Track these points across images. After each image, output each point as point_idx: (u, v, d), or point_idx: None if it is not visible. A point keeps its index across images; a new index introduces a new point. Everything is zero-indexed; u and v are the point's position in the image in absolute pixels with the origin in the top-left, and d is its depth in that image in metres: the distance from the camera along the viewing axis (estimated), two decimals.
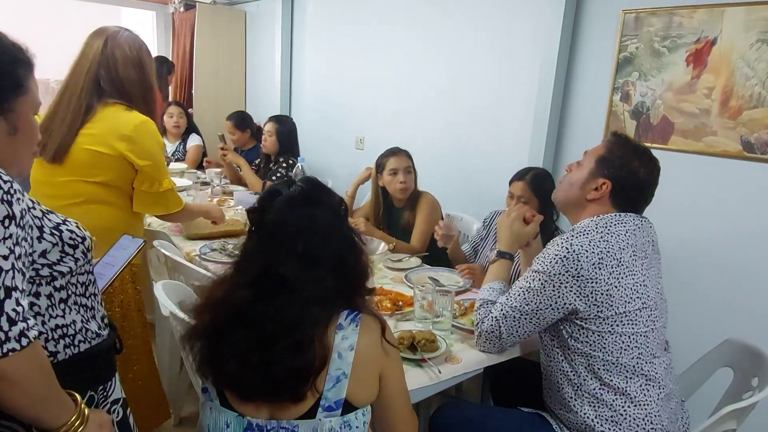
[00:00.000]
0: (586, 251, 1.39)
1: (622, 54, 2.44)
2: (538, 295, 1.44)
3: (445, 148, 3.31)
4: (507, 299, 1.52)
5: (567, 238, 1.45)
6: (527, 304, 1.46)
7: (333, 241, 1.08)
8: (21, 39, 0.97)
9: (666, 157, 2.33)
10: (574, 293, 1.41)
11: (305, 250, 1.05)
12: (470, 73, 3.12)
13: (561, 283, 1.41)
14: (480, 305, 1.60)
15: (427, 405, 1.78)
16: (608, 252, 1.40)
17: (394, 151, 2.67)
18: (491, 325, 1.53)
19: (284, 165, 3.46)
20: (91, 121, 1.73)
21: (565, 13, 2.55)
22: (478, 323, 1.58)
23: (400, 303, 1.85)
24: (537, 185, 2.20)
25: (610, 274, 1.39)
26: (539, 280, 1.45)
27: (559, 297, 1.42)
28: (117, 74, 1.73)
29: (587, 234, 1.44)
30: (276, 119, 3.63)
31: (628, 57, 2.42)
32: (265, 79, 4.80)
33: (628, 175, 1.49)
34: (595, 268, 1.39)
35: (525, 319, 1.48)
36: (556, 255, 1.42)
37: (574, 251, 1.40)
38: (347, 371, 1.04)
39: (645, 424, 1.41)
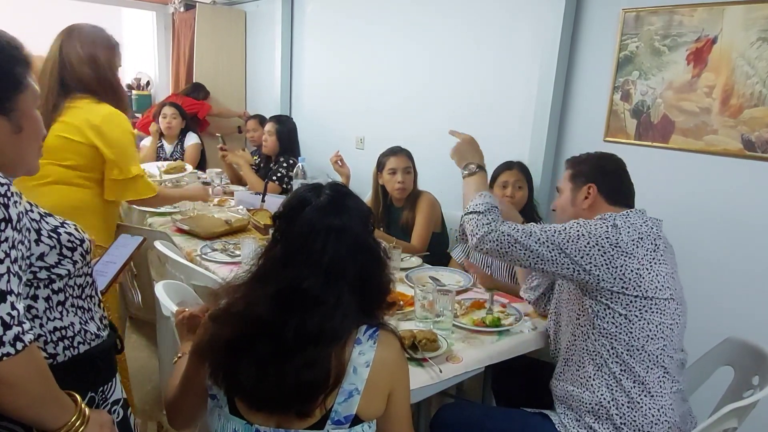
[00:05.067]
0: (629, 227, 1.44)
1: (622, 53, 2.43)
2: (569, 241, 1.44)
3: (445, 146, 3.27)
4: (535, 224, 1.52)
5: (609, 215, 1.49)
6: (555, 237, 1.45)
7: (359, 256, 1.06)
8: (19, 37, 0.96)
9: (666, 155, 2.35)
10: (604, 259, 1.41)
11: (331, 264, 1.03)
12: (471, 71, 3.12)
13: (595, 244, 1.42)
14: (487, 209, 1.55)
15: (428, 405, 1.78)
16: (648, 234, 1.45)
17: (395, 151, 2.67)
18: (511, 227, 1.48)
19: (285, 165, 3.46)
20: (63, 114, 1.83)
21: (565, 12, 2.55)
22: (488, 222, 1.52)
23: (401, 302, 1.85)
24: (527, 173, 2.48)
25: (645, 255, 1.43)
26: (577, 231, 1.45)
27: (586, 253, 1.42)
28: (75, 73, 1.83)
29: (628, 216, 1.48)
30: (276, 119, 3.63)
31: (628, 56, 2.42)
32: (265, 79, 4.80)
33: (602, 172, 1.59)
34: (634, 244, 1.42)
35: (546, 248, 1.45)
36: (600, 220, 1.47)
37: (616, 225, 1.45)
38: (360, 387, 1.03)
39: (660, 415, 1.42)
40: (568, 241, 1.44)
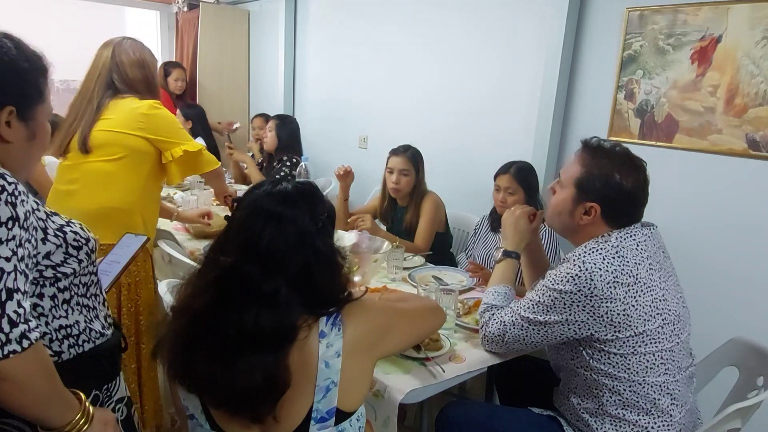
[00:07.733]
0: (600, 269, 1.33)
1: (626, 52, 2.43)
2: (548, 311, 1.40)
3: (448, 146, 3.31)
4: (517, 307, 1.49)
5: (579, 255, 1.38)
6: (536, 315, 1.43)
7: (301, 250, 1.01)
8: (37, 45, 0.98)
9: (670, 155, 2.34)
10: (587, 313, 1.36)
11: (269, 253, 0.98)
12: (474, 71, 3.12)
13: (573, 302, 1.36)
14: (485, 309, 1.59)
15: (430, 404, 1.78)
16: (623, 269, 1.34)
17: (397, 151, 2.67)
18: (498, 328, 1.50)
19: (288, 164, 3.46)
20: (107, 111, 1.93)
21: (569, 11, 2.54)
22: (482, 325, 1.57)
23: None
24: (522, 177, 2.34)
25: (626, 292, 1.33)
26: (550, 296, 1.40)
27: (570, 314, 1.37)
28: (126, 75, 1.97)
29: (600, 250, 1.37)
30: (278, 117, 3.66)
31: (632, 55, 2.41)
32: (268, 78, 4.80)
33: (614, 192, 1.40)
34: (609, 287, 1.33)
35: (533, 329, 1.44)
36: (568, 273, 1.36)
37: (586, 269, 1.34)
38: (336, 379, 0.99)
39: None
40: (546, 312, 1.40)
